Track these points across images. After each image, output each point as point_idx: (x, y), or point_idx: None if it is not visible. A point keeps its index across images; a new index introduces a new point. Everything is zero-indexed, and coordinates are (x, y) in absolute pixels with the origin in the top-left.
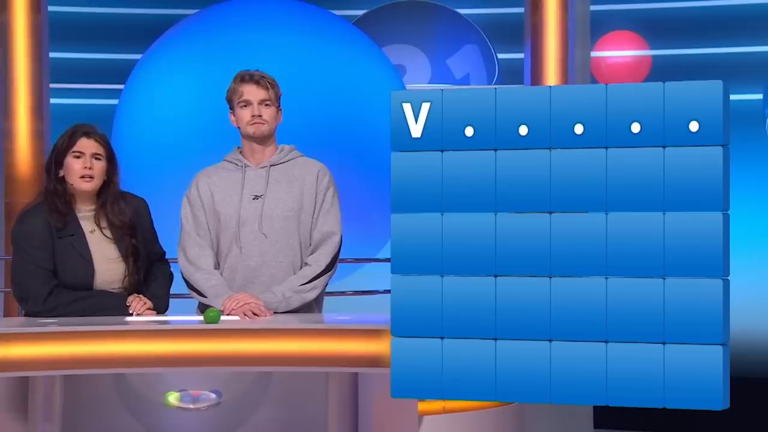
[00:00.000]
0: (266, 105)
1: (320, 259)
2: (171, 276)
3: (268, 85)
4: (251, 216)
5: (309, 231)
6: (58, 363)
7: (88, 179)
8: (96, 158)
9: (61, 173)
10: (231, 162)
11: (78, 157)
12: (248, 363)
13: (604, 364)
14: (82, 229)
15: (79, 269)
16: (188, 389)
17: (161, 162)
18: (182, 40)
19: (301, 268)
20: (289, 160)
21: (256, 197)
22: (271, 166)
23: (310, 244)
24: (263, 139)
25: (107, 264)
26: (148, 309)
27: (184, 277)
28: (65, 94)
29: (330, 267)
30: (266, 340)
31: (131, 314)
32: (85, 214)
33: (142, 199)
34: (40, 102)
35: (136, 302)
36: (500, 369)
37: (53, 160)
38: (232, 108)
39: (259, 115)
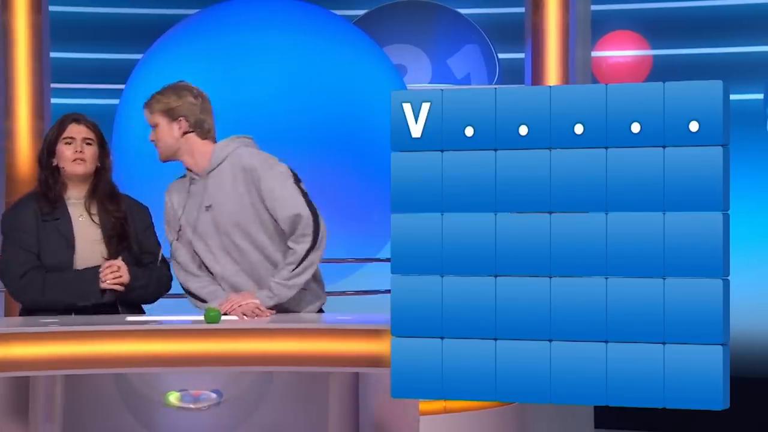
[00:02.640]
0: (88, 143)
1: (299, 240)
2: (165, 277)
3: (153, 102)
4: (210, 225)
5: (275, 224)
6: (59, 363)
7: (80, 162)
8: (87, 143)
9: (54, 162)
10: (184, 181)
11: (69, 143)
12: (249, 363)
13: (604, 364)
14: (69, 214)
15: (60, 251)
16: (189, 389)
17: (161, 164)
18: (183, 40)
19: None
20: (222, 162)
21: (208, 207)
22: (208, 173)
23: (284, 232)
24: (197, 157)
25: (91, 246)
26: (117, 280)
27: (182, 287)
28: (66, 94)
29: (314, 242)
30: (267, 340)
31: (103, 282)
32: (76, 201)
33: (145, 206)
34: (41, 102)
35: (106, 271)
36: (500, 369)
37: (45, 150)
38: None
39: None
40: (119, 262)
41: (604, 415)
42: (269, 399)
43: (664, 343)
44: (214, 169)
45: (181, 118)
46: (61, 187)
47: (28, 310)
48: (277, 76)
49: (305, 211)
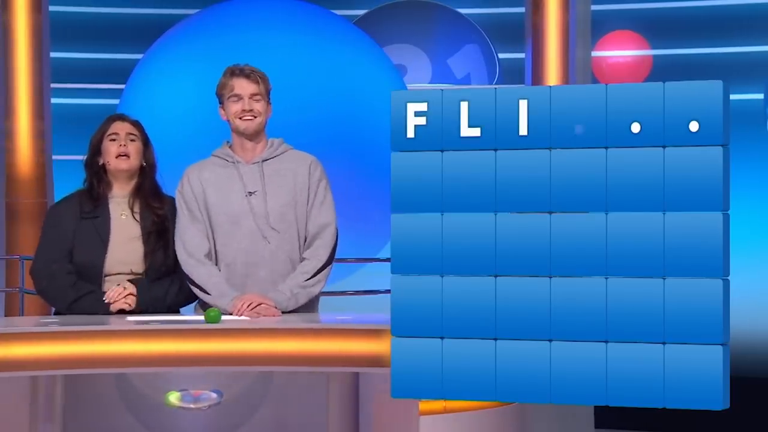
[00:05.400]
0: (256, 99)
1: (320, 253)
2: (188, 290)
3: (258, 79)
4: (246, 212)
5: (305, 224)
6: (59, 363)
7: (124, 158)
8: (131, 139)
9: (100, 161)
10: (221, 158)
11: (113, 140)
12: (249, 363)
13: (604, 364)
14: (109, 212)
15: (93, 249)
16: (189, 389)
17: (162, 162)
18: (183, 39)
19: (300, 261)
20: (280, 154)
21: (250, 193)
22: (263, 161)
23: (306, 235)
24: (254, 135)
25: (127, 244)
26: (126, 299)
27: (185, 272)
28: (66, 94)
29: (330, 259)
30: (267, 340)
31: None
32: (120, 199)
33: None
34: (41, 102)
35: (112, 291)
36: (500, 369)
37: (91, 150)
38: (221, 102)
39: (250, 110)
40: (129, 287)
41: (604, 415)
42: (269, 399)
43: (664, 343)
44: (272, 158)
45: (270, 104)
46: (105, 185)
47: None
48: (277, 76)
49: (335, 226)
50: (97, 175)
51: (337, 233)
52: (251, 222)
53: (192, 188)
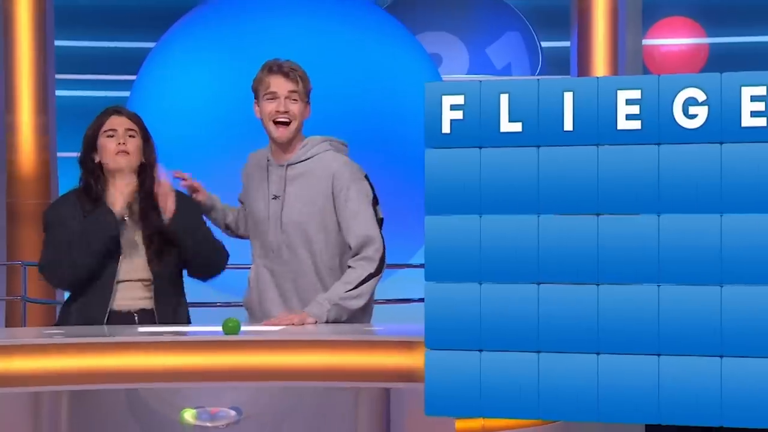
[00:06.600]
0: (293, 100)
1: (364, 263)
2: (224, 249)
3: (298, 79)
4: (272, 216)
5: (336, 234)
6: (65, 377)
7: (123, 154)
8: (130, 135)
9: (97, 158)
10: (264, 154)
11: (111, 136)
12: (271, 377)
13: (656, 378)
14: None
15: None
16: (206, 406)
17: (177, 160)
18: (199, 26)
19: (342, 271)
20: (309, 158)
21: (275, 197)
22: (288, 165)
23: (350, 248)
24: (287, 144)
25: (128, 249)
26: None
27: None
28: (72, 86)
29: (378, 270)
30: (290, 353)
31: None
32: (118, 201)
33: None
34: (45, 94)
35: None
36: (543, 384)
37: (85, 146)
38: (257, 98)
39: (285, 111)
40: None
41: None
42: (292, 417)
43: (721, 357)
44: (298, 163)
45: (309, 104)
46: (103, 185)
47: (72, 295)
48: (302, 65)
49: (378, 236)
50: (93, 174)
51: (382, 243)
52: (272, 228)
53: (243, 176)
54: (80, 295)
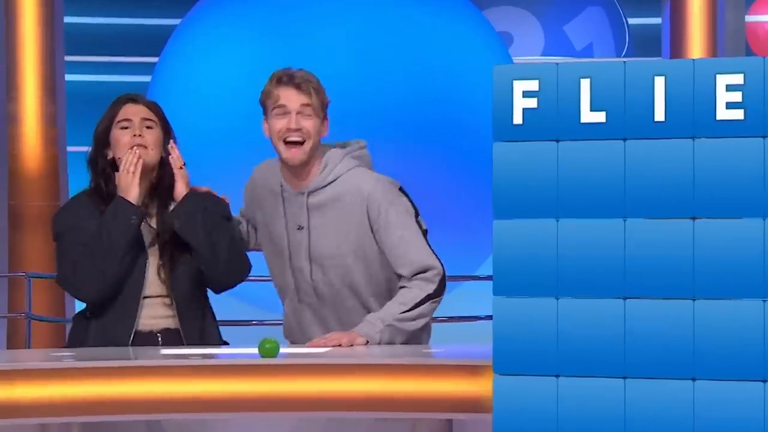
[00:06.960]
0: (307, 115)
1: (420, 284)
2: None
3: (312, 91)
4: (298, 249)
5: (378, 265)
6: (76, 407)
7: (140, 148)
8: (147, 126)
9: (110, 154)
10: (275, 175)
11: (126, 128)
12: (314, 407)
13: (762, 406)
14: None
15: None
16: None
17: (203, 151)
18: (229, 1)
19: (390, 297)
20: (333, 181)
21: (300, 227)
22: (309, 193)
23: (400, 277)
24: (300, 167)
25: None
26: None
27: None
28: (83, 69)
29: (437, 293)
30: (337, 379)
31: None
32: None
33: (221, 198)
34: (53, 78)
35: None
36: (630, 414)
37: (96, 140)
38: (266, 114)
39: (297, 128)
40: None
41: None
42: None
43: None
44: (321, 188)
45: (327, 120)
46: (115, 187)
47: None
48: (348, 45)
49: (434, 261)
50: (104, 174)
51: (441, 267)
52: (304, 261)
53: (246, 192)
54: (101, 312)
